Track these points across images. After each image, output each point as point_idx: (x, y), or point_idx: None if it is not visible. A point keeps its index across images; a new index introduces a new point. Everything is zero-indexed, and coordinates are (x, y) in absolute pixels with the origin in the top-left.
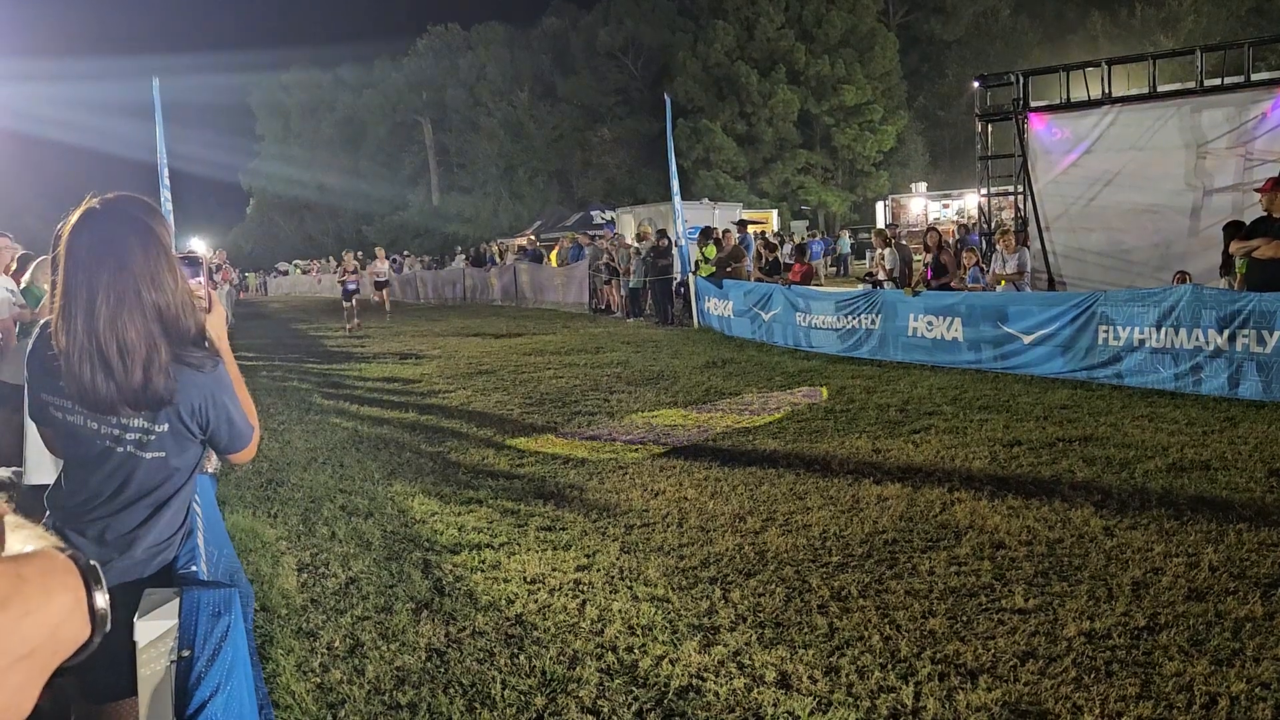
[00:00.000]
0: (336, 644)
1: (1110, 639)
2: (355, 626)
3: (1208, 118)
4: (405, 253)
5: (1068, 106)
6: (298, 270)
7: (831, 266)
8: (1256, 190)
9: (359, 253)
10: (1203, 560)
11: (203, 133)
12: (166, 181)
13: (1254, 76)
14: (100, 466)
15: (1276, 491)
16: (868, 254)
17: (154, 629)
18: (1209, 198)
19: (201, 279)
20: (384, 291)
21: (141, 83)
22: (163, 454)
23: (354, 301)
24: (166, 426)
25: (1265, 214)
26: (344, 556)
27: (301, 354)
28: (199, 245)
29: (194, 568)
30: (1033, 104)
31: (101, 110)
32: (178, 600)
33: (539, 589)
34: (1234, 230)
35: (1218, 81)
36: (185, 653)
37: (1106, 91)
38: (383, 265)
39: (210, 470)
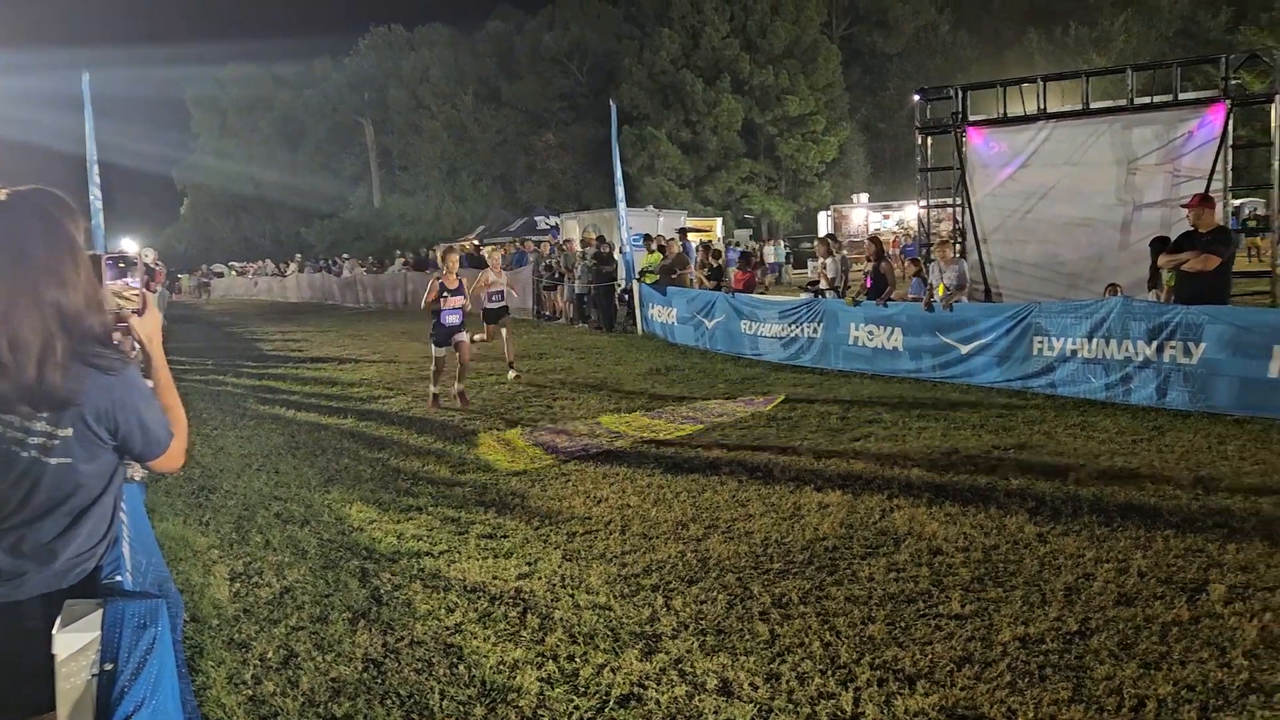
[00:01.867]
0: (270, 655)
1: (1044, 643)
2: (289, 637)
3: (1138, 135)
4: (345, 256)
5: (1005, 121)
6: (233, 272)
7: (768, 275)
8: (1184, 206)
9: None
10: (1132, 566)
11: (136, 128)
12: (96, 179)
13: (1181, 96)
14: (5, 472)
15: (1202, 499)
16: (809, 263)
17: (74, 642)
18: (1139, 212)
19: (131, 279)
20: (503, 323)
21: (73, 75)
22: (69, 460)
23: (461, 342)
24: (71, 431)
25: (1192, 229)
26: (278, 565)
27: (237, 357)
28: (130, 245)
29: (119, 578)
30: (971, 118)
31: (31, 103)
32: (101, 612)
33: (479, 597)
34: (1160, 246)
35: (1147, 100)
36: (108, 666)
37: (1042, 107)
38: (499, 275)
39: (138, 478)
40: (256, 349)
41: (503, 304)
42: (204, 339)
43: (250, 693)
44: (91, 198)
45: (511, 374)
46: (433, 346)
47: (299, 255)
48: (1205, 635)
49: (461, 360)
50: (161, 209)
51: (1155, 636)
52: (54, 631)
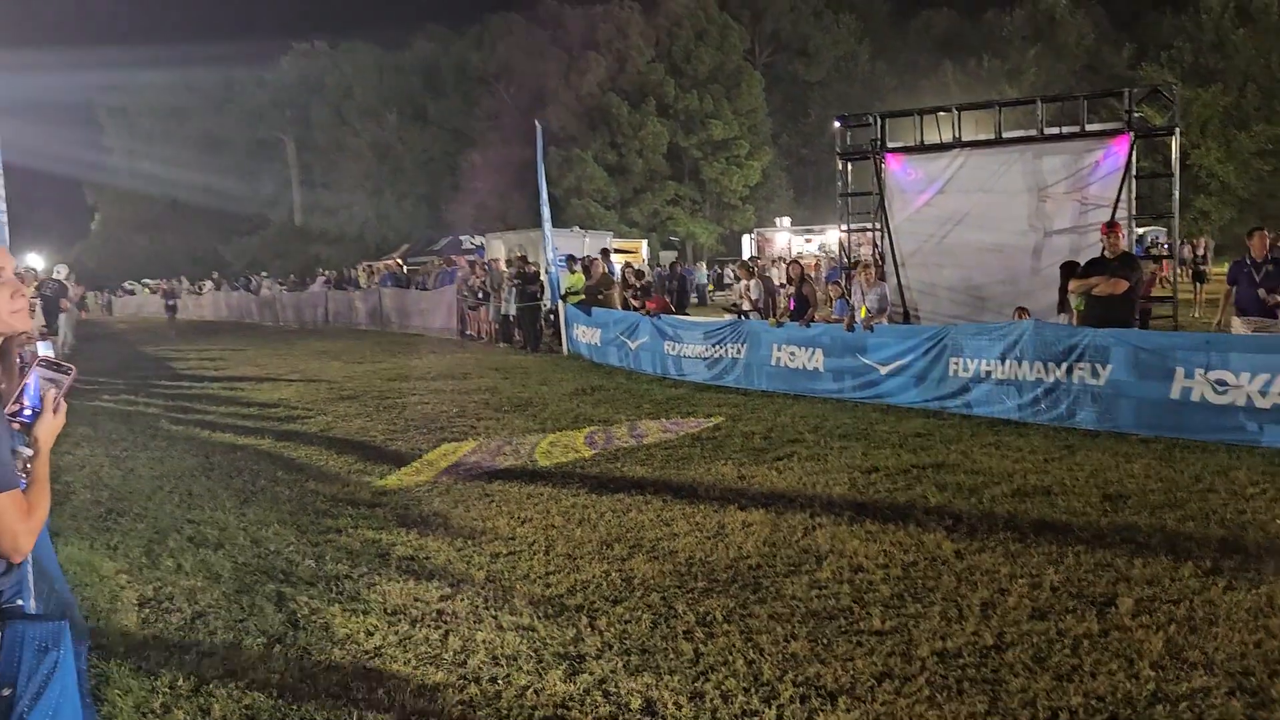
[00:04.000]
0: (180, 683)
1: (961, 658)
2: (201, 664)
3: (1048, 164)
4: (263, 274)
5: (922, 149)
6: (146, 290)
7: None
8: (1099, 232)
9: None
10: (1045, 581)
11: (44, 138)
12: (1, 190)
13: (1089, 127)
14: None
15: (1110, 515)
16: (733, 285)
17: None
18: (1049, 239)
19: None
20: None
21: None
22: None
23: None
24: None
25: (1100, 255)
26: (190, 590)
27: (149, 376)
28: (35, 261)
29: (20, 602)
30: (889, 145)
31: None
32: None
33: (400, 620)
34: (1069, 271)
35: (1057, 130)
36: (6, 691)
37: (957, 136)
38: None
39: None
40: (170, 368)
41: None
42: (116, 358)
43: None
44: None
45: None
46: None
47: (215, 273)
48: (1114, 647)
49: None
50: (68, 222)
51: (1067, 649)
52: None
